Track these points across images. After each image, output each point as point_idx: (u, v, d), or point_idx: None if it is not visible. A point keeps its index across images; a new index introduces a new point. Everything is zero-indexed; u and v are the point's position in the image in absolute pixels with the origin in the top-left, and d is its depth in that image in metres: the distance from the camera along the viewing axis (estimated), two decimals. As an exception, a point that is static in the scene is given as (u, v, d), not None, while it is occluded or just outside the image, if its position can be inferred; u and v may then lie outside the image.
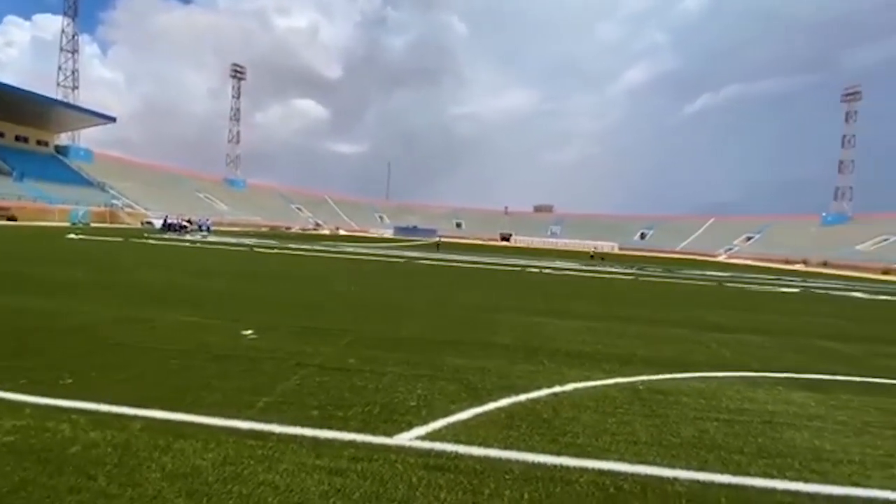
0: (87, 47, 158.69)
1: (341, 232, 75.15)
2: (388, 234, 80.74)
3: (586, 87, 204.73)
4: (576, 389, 4.35)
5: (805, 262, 58.14)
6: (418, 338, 6.10)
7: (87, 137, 62.66)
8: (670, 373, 5.16)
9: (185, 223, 37.24)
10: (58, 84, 59.98)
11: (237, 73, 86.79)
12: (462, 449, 2.99)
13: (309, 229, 73.82)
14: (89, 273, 10.44)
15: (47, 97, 50.61)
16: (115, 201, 50.08)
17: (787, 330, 8.83)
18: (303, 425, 3.17)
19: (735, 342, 7.22)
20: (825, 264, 57.12)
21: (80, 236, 23.06)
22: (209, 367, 4.25)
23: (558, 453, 3.03)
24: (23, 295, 7.26)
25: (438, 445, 3.02)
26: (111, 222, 43.76)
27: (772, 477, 2.98)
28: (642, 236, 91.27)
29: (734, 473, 2.97)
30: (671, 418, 3.81)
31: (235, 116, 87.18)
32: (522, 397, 4.03)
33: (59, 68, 60.45)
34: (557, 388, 4.32)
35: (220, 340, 5.25)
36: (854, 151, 75.09)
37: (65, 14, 60.52)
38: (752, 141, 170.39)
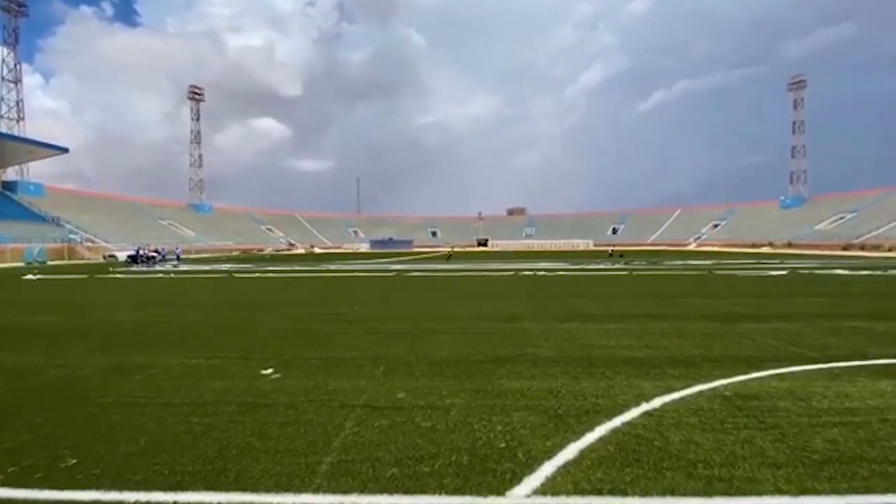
0: (28, 77, 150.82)
1: (316, 250, 73.30)
2: (364, 248, 79.32)
3: (546, 90, 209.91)
4: (665, 405, 3.86)
5: (771, 245, 60.43)
6: (456, 359, 5.50)
7: (37, 172, 58.97)
8: (743, 373, 4.75)
9: (152, 253, 35.21)
10: (0, 116, 56.36)
11: (195, 94, 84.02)
12: (597, 502, 2.43)
13: (282, 249, 71.64)
14: (57, 317, 9.33)
15: (-10, 131, 47.36)
16: (72, 236, 47.02)
17: (811, 313, 8.68)
18: (391, 491, 2.53)
19: (775, 332, 6.94)
20: (790, 245, 59.54)
21: (39, 276, 21.24)
22: (241, 423, 3.53)
23: (707, 493, 2.51)
24: (-14, 350, 6.25)
25: (565, 501, 2.44)
26: (70, 259, 40.98)
27: (947, 492, 2.56)
28: (614, 231, 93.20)
29: (909, 494, 2.53)
30: (787, 429, 3.36)
31: (196, 139, 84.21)
32: (616, 422, 3.50)
33: (2, 100, 56.85)
34: (646, 406, 3.82)
35: (239, 385, 4.51)
36: (804, 136, 79.12)
37: (4, 43, 57.14)
38: (705, 133, 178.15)
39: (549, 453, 2.98)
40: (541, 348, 5.97)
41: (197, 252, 54.98)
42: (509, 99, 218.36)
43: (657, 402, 3.90)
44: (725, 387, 4.34)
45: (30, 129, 57.64)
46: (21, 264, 33.11)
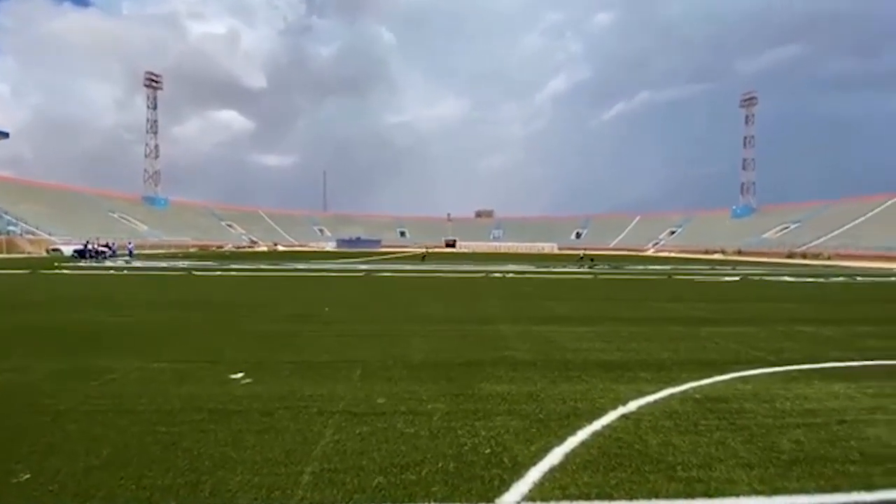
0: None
1: (279, 248, 71.30)
2: (331, 247, 77.83)
3: (514, 95, 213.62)
4: (640, 408, 3.97)
5: (723, 252, 63.73)
6: (434, 362, 5.46)
7: (-31, 156, 54.40)
8: (708, 376, 4.96)
9: (102, 248, 33.19)
10: (-71, 95, 51.61)
11: (152, 81, 79.98)
12: (585, 507, 2.45)
13: (243, 247, 69.25)
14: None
15: (-84, 110, 43.22)
16: (11, 227, 43.68)
17: (766, 318, 9.19)
18: (378, 501, 2.47)
19: (734, 336, 7.29)
20: (739, 252, 63.04)
21: (-27, 271, 19.58)
22: (213, 431, 3.35)
23: (689, 495, 2.59)
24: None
25: (555, 506, 2.46)
26: (10, 252, 38.01)
27: (901, 488, 2.76)
28: (578, 235, 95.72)
29: (869, 489, 2.71)
30: (755, 431, 3.53)
31: (152, 129, 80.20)
32: (596, 425, 3.56)
33: (-70, 77, 52.06)
34: (622, 409, 3.92)
35: (208, 391, 4.29)
36: (754, 150, 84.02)
37: (-66, 15, 52.35)
38: (663, 142, 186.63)
39: (535, 458, 3.00)
40: (518, 351, 6.02)
41: (151, 248, 52.29)
42: (477, 102, 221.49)
43: (633, 406, 4.01)
44: (695, 389, 4.51)
45: (-36, 111, 53.12)
46: (-49, 257, 30.42)
